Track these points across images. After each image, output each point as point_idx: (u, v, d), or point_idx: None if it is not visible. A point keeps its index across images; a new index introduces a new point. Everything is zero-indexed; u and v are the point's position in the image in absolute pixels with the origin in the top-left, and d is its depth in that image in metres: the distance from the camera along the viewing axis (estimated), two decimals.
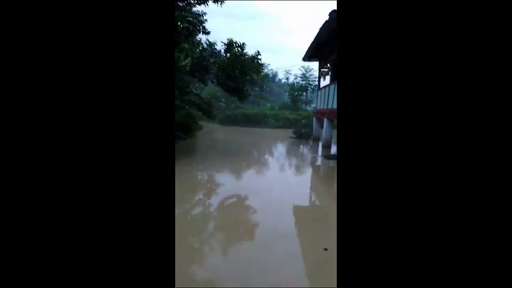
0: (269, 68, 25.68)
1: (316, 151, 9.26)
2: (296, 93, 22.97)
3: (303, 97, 23.96)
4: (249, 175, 5.90)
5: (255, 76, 8.24)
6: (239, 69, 7.76)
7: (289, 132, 13.41)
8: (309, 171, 6.72)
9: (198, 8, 8.21)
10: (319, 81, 11.90)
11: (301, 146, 10.48)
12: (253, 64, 7.64)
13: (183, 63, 5.96)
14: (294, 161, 7.92)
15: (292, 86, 24.52)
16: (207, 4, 7.89)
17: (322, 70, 11.29)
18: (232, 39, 7.90)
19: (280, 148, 10.25)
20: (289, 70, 34.39)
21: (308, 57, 11.81)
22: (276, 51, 74.20)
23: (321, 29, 7.73)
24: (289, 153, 9.26)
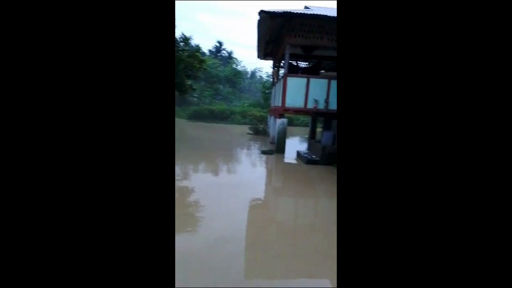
0: (242, 65, 25.68)
1: (261, 146, 9.68)
2: (267, 90, 23.33)
3: None
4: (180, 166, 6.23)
5: (198, 72, 8.46)
6: (181, 64, 8.01)
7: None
8: (240, 163, 7.13)
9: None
10: (273, 79, 12.32)
11: (252, 141, 10.88)
12: (189, 59, 7.86)
13: None
14: (234, 154, 8.30)
15: (263, 84, 24.88)
16: None
17: (274, 69, 11.70)
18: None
19: (231, 143, 10.60)
20: (260, 68, 34.43)
21: (263, 55, 12.19)
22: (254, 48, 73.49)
23: (258, 29, 8.10)
24: (235, 147, 9.65)
